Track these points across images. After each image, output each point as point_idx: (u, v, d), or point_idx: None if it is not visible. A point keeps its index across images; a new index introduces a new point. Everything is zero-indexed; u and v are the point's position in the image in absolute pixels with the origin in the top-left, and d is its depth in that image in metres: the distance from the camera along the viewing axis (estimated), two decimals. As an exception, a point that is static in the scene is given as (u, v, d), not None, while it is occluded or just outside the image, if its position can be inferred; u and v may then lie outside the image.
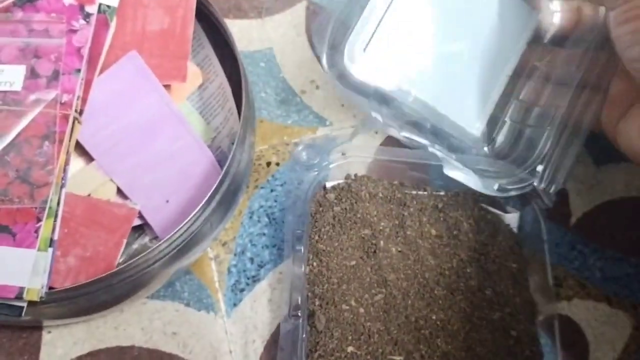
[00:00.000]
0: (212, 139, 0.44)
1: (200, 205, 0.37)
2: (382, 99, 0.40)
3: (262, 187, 0.45)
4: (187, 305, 0.42)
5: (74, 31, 0.38)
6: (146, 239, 0.42)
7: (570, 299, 0.43)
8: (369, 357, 0.37)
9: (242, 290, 0.43)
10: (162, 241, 0.37)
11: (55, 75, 0.37)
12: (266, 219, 0.44)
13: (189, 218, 0.37)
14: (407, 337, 0.38)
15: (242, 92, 0.41)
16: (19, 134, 0.35)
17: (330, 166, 0.43)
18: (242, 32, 0.50)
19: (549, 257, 0.41)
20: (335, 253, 0.40)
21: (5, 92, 0.36)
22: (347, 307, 0.38)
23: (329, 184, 0.43)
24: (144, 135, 0.41)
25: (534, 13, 0.43)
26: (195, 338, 0.41)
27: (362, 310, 0.39)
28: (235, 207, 0.43)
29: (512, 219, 0.44)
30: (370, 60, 0.39)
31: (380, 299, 0.39)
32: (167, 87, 0.42)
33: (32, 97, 0.36)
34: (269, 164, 0.46)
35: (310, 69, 0.50)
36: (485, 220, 0.43)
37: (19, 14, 0.38)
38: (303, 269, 0.39)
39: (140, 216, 0.41)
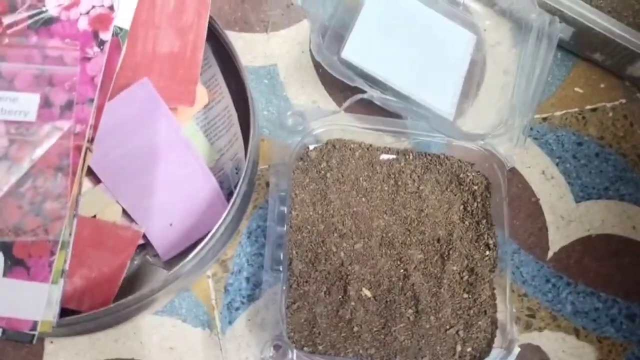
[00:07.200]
0: (215, 161, 0.45)
1: (207, 239, 0.39)
2: (372, 80, 0.47)
3: (260, 208, 0.47)
4: (184, 321, 0.44)
5: (88, 59, 0.38)
6: (147, 256, 0.44)
7: (541, 330, 0.47)
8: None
9: (237, 308, 0.45)
10: (168, 273, 0.38)
11: (69, 105, 0.37)
12: (263, 240, 0.46)
13: (195, 251, 0.38)
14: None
15: (249, 117, 0.42)
16: (33, 166, 0.36)
17: (314, 132, 0.47)
18: (248, 46, 0.51)
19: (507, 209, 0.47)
20: (314, 205, 0.45)
21: (19, 122, 0.36)
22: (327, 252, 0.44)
23: (311, 147, 0.47)
24: (151, 160, 0.41)
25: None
26: (191, 353, 0.43)
27: (342, 254, 0.44)
28: (237, 229, 0.44)
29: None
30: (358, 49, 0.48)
31: (359, 247, 0.45)
32: (173, 108, 0.43)
33: (46, 127, 0.36)
34: (268, 184, 0.47)
35: (313, 89, 0.51)
36: (449, 176, 0.49)
37: (34, 39, 0.37)
38: (285, 228, 0.43)
39: (143, 235, 0.42)
